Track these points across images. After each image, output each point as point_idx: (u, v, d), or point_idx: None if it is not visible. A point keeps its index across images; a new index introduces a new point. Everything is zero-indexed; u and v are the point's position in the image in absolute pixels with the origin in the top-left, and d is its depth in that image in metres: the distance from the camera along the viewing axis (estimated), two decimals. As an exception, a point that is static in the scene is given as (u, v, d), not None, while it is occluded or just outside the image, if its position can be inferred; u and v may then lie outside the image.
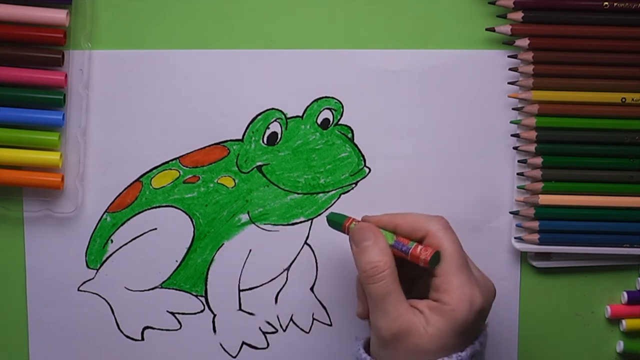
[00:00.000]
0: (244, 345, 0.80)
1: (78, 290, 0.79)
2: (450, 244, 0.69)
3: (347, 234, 0.73)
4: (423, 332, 0.67)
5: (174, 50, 0.77)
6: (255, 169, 0.79)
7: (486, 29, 0.77)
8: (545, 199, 0.78)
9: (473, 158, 0.79)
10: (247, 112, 0.78)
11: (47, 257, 0.79)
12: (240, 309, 0.80)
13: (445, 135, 0.78)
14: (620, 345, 0.81)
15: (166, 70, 0.77)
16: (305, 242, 0.79)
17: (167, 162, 0.78)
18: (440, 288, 0.68)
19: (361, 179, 0.79)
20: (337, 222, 0.74)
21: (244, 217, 0.79)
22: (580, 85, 0.77)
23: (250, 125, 0.78)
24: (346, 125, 0.78)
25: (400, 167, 0.79)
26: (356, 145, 0.79)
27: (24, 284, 0.79)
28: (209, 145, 0.78)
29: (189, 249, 0.79)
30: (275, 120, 0.78)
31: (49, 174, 0.77)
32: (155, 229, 0.79)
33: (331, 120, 0.78)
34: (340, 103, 0.78)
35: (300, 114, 0.78)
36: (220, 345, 0.80)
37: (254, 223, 0.79)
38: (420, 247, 0.70)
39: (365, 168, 0.79)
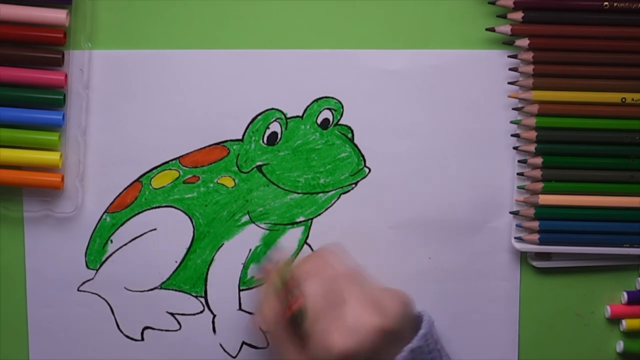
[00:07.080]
0: (244, 345, 0.80)
1: (78, 290, 0.79)
2: (309, 294, 0.71)
3: None
4: None
5: (174, 50, 0.77)
6: (255, 168, 0.78)
7: (486, 29, 0.77)
8: (545, 199, 0.78)
9: (473, 158, 0.79)
10: (247, 112, 0.78)
11: (47, 257, 0.79)
12: (240, 309, 0.80)
13: (446, 135, 0.78)
14: (620, 345, 0.81)
15: (166, 70, 0.77)
16: (305, 242, 0.79)
17: (167, 162, 0.78)
18: (308, 334, 0.71)
19: (361, 179, 0.79)
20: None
21: (244, 217, 0.79)
22: (580, 85, 0.77)
23: (250, 125, 0.78)
24: (346, 125, 0.78)
25: (400, 167, 0.79)
26: (356, 145, 0.79)
27: (24, 284, 0.79)
28: (209, 145, 0.78)
29: (188, 249, 0.79)
30: (275, 120, 0.78)
31: (49, 174, 0.77)
32: (155, 229, 0.79)
33: (331, 120, 0.78)
34: (340, 103, 0.78)
35: (300, 114, 0.78)
36: (220, 345, 0.80)
37: (254, 222, 0.79)
38: (292, 300, 0.71)
39: (365, 168, 0.79)
